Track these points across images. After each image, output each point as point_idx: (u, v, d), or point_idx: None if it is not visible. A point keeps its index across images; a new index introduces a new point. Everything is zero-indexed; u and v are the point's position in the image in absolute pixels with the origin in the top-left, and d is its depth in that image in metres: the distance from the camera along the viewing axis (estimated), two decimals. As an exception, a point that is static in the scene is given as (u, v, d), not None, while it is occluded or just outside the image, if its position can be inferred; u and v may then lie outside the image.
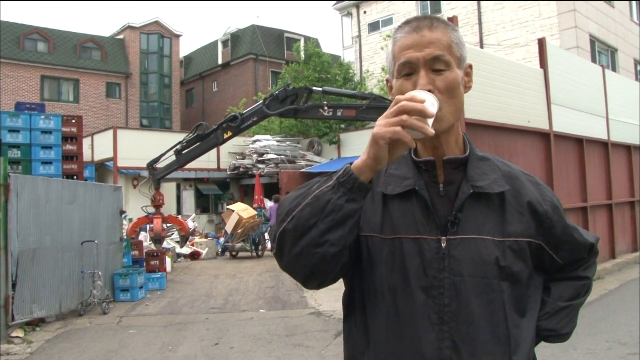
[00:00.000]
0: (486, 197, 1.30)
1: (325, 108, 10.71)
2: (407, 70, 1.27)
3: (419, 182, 1.30)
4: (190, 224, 19.12)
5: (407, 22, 1.32)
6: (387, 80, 1.39)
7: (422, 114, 1.12)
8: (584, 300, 1.49)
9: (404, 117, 1.11)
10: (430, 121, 1.14)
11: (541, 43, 9.75)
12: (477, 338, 1.24)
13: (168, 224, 13.93)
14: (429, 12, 24.10)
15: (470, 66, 1.36)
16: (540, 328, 1.39)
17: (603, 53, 21.98)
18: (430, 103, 1.15)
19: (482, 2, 22.23)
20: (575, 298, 1.45)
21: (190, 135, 11.95)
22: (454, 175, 1.32)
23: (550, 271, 1.43)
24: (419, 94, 1.17)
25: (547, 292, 1.43)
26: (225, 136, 11.51)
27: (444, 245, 1.26)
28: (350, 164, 1.20)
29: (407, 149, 1.36)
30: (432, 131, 1.13)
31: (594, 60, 19.89)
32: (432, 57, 1.25)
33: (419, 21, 1.29)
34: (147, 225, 13.26)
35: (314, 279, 1.27)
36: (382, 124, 1.14)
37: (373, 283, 1.31)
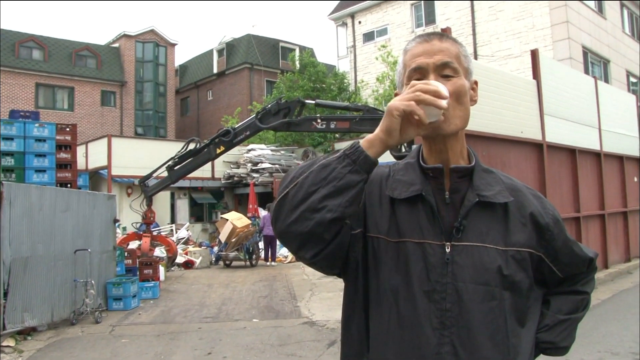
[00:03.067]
0: (490, 207, 1.33)
1: (319, 121, 10.74)
2: (417, 76, 1.32)
3: (426, 188, 1.33)
4: (184, 233, 19.10)
5: (418, 36, 1.39)
6: (396, 95, 1.39)
7: (437, 94, 1.19)
8: (582, 314, 1.51)
9: (419, 92, 1.19)
10: (443, 102, 1.20)
11: (534, 54, 9.83)
12: (477, 344, 1.25)
13: (156, 243, 13.92)
14: (424, 23, 24.27)
15: (476, 82, 1.41)
16: (540, 340, 1.40)
17: (596, 64, 22.15)
18: (443, 88, 1.22)
19: (476, 13, 22.39)
20: (574, 312, 1.48)
21: (182, 150, 11.95)
22: (460, 184, 1.34)
23: (550, 285, 1.45)
24: (432, 82, 1.24)
25: (547, 305, 1.45)
26: (218, 151, 11.53)
27: (448, 250, 1.28)
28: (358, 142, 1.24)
29: (415, 157, 1.41)
30: (445, 105, 1.19)
31: (586, 71, 20.03)
32: (442, 63, 1.31)
33: (429, 34, 1.37)
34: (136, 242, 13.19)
35: (308, 246, 1.24)
36: (397, 99, 1.20)
37: (376, 284, 1.33)
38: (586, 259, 1.49)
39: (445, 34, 1.38)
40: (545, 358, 1.54)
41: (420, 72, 1.31)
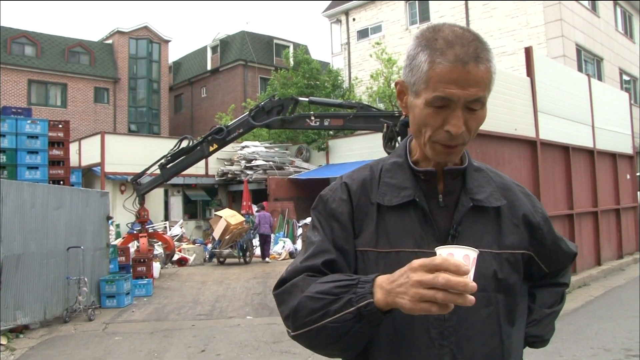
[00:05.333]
0: (483, 210, 1.30)
1: (312, 118, 10.74)
2: (440, 104, 1.17)
3: (419, 193, 1.27)
4: (178, 230, 19.05)
5: (449, 44, 1.17)
6: (398, 84, 1.30)
7: (465, 288, 1.00)
8: (562, 306, 1.53)
9: (440, 296, 1.00)
10: (471, 298, 1.02)
11: (528, 52, 9.83)
12: (476, 352, 1.23)
13: (153, 241, 13.86)
14: (418, 20, 24.27)
15: None
16: (528, 335, 1.40)
17: (589, 62, 22.22)
18: (471, 277, 1.03)
19: (470, 10, 22.42)
20: (556, 304, 1.49)
21: (175, 148, 11.91)
22: (453, 184, 1.30)
23: (535, 279, 1.45)
24: (457, 262, 1.02)
25: (532, 299, 1.45)
26: (211, 149, 11.52)
27: None
28: (371, 291, 1.11)
29: (403, 156, 1.35)
30: (473, 300, 1.02)
31: (580, 69, 20.09)
32: (474, 99, 1.17)
33: (465, 48, 1.16)
34: (135, 243, 13.13)
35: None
36: (412, 296, 1.03)
37: None
38: (571, 255, 1.50)
39: (479, 43, 1.19)
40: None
41: (445, 102, 1.17)
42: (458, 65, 1.14)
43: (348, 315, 1.12)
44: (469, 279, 1.01)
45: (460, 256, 1.04)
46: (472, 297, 1.01)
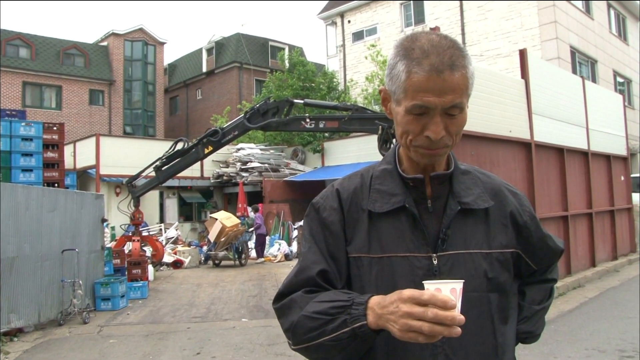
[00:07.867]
0: (472, 212, 1.33)
1: (308, 120, 10.74)
2: (420, 111, 1.21)
3: (408, 199, 1.30)
4: (173, 232, 19.01)
5: (425, 53, 1.20)
6: (382, 92, 1.34)
7: (453, 321, 1.05)
8: (551, 301, 1.56)
9: (426, 328, 1.05)
10: (458, 330, 1.07)
11: (523, 54, 9.86)
12: (469, 352, 1.25)
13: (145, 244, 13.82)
14: (413, 22, 24.31)
15: None
16: (519, 331, 1.43)
17: (583, 64, 22.32)
18: (458, 309, 1.08)
19: (465, 12, 22.49)
20: (545, 300, 1.52)
21: (170, 150, 11.89)
22: (440, 189, 1.33)
23: (523, 276, 1.48)
24: (450, 301, 1.06)
25: (522, 296, 1.48)
26: (206, 151, 11.51)
27: (435, 262, 1.27)
28: (365, 313, 1.15)
29: (392, 163, 1.38)
30: (459, 332, 1.06)
31: (574, 71, 20.18)
32: (451, 106, 1.20)
33: (440, 57, 1.18)
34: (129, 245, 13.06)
35: None
36: (401, 325, 1.07)
37: None
38: (558, 251, 1.52)
39: (455, 50, 1.21)
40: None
41: (424, 110, 1.20)
42: (433, 74, 1.18)
43: (343, 334, 1.18)
44: (457, 312, 1.06)
45: (448, 290, 1.08)
46: (458, 329, 1.05)
